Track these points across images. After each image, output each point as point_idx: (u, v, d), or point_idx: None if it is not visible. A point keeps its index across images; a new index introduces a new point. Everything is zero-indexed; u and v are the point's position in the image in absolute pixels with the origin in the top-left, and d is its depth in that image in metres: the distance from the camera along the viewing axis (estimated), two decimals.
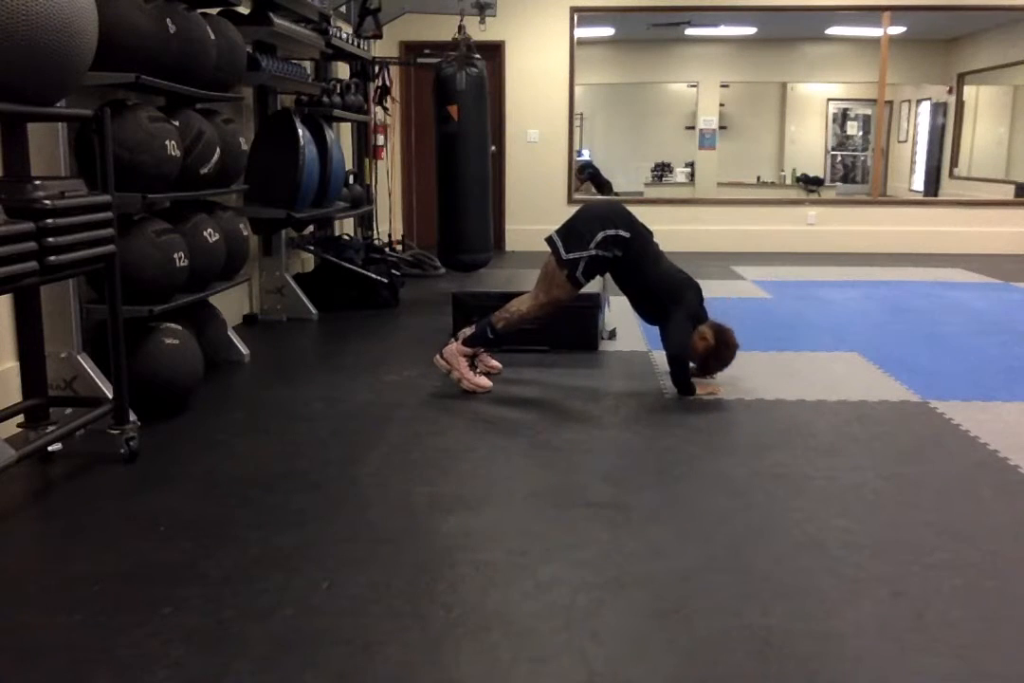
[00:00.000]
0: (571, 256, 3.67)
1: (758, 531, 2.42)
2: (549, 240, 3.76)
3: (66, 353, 3.13)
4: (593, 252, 3.66)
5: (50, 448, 2.94)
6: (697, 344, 3.71)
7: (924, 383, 3.90)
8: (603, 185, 11.59)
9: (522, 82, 8.93)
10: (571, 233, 3.73)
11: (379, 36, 6.44)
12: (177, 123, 3.47)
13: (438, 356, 3.83)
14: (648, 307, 3.89)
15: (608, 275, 3.99)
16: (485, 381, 3.81)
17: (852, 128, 13.67)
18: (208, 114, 3.83)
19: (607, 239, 3.66)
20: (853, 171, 13.73)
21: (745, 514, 2.53)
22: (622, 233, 3.68)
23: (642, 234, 3.77)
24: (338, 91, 5.88)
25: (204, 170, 3.62)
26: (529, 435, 3.27)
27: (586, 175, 11.22)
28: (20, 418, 2.96)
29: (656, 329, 3.93)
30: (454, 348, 3.80)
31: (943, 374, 4.10)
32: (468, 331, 3.84)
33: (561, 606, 2.00)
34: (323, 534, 2.39)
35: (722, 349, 3.76)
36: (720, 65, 12.27)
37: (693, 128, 12.54)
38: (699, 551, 2.30)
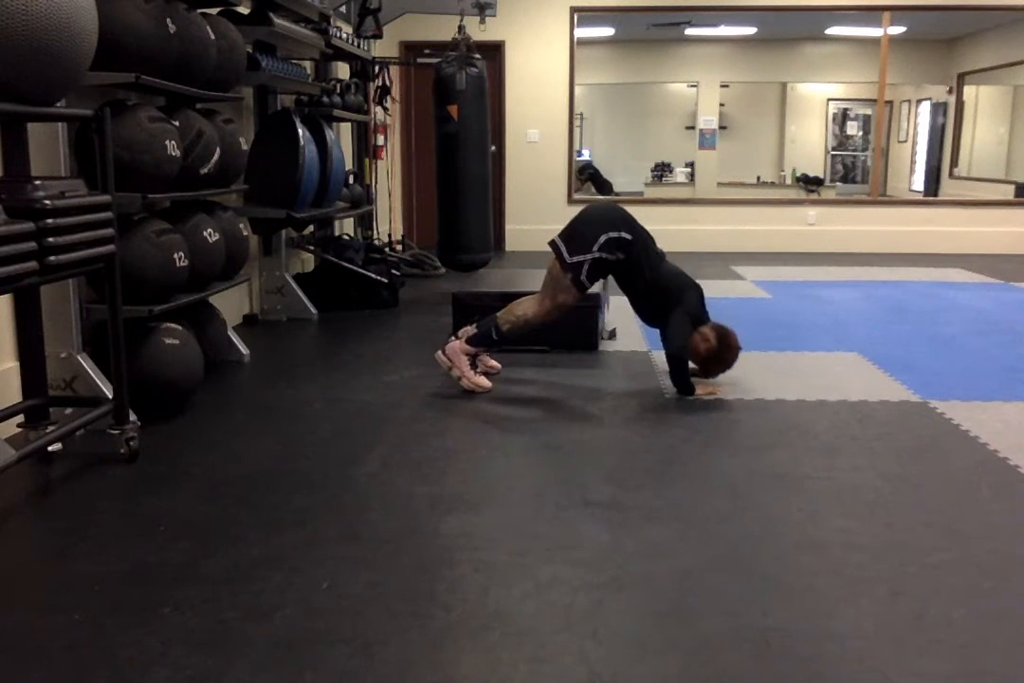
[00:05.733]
0: (575, 259, 3.66)
1: (758, 531, 2.42)
2: (552, 244, 3.75)
3: (66, 353, 3.12)
4: (597, 255, 3.66)
5: (50, 448, 2.94)
6: (699, 345, 3.70)
7: (924, 383, 3.90)
8: (603, 185, 11.63)
9: (522, 82, 8.93)
10: (573, 236, 3.72)
11: (379, 36, 6.44)
12: (177, 123, 3.47)
13: (440, 352, 3.83)
14: (649, 308, 3.89)
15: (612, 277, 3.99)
16: (485, 381, 3.81)
17: (852, 128, 13.65)
18: (208, 114, 3.83)
19: (610, 242, 3.66)
20: (853, 171, 13.72)
21: (745, 514, 2.53)
22: (624, 235, 3.68)
23: (643, 236, 3.77)
24: (338, 91, 5.88)
25: (204, 170, 3.62)
26: (529, 435, 3.28)
27: (586, 175, 11.30)
28: (20, 418, 2.96)
29: (656, 330, 3.93)
30: (457, 346, 3.80)
31: (943, 374, 4.10)
32: (470, 330, 3.84)
33: (561, 606, 2.00)
34: (323, 534, 2.39)
35: (724, 351, 3.75)
36: (720, 65, 12.27)
37: (693, 128, 12.54)
38: (699, 551, 2.30)
